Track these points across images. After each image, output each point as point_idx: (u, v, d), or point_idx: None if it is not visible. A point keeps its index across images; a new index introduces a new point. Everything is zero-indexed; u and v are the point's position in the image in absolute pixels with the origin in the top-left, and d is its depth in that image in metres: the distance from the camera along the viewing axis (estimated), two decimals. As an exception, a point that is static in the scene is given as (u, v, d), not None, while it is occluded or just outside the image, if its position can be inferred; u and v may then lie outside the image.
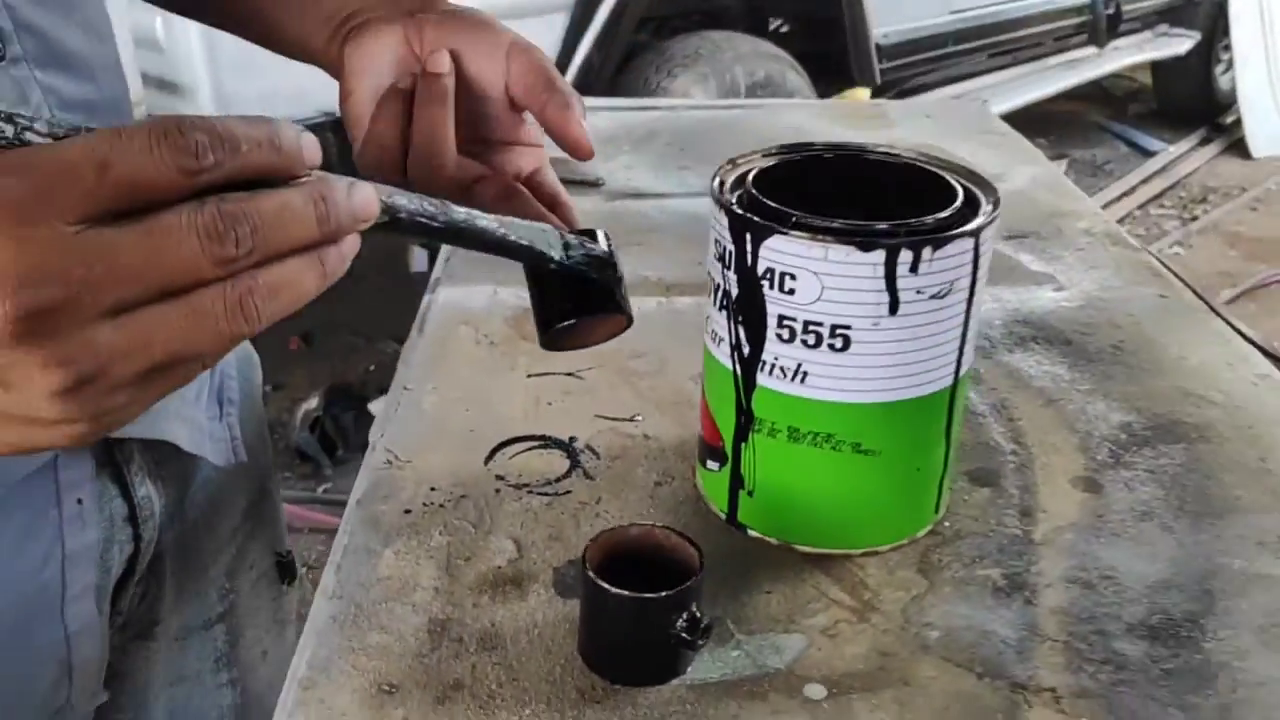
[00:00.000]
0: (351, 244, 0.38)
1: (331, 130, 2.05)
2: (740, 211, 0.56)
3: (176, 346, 0.35)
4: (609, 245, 0.54)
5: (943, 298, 0.54)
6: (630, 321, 0.55)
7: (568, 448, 0.70)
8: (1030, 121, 4.62)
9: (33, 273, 0.32)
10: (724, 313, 0.58)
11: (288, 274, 0.36)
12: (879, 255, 0.53)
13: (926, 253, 0.53)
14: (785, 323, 0.56)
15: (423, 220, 0.43)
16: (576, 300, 0.53)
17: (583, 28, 2.46)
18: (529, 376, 0.78)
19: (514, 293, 0.90)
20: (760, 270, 0.55)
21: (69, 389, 0.34)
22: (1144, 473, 0.68)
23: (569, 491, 0.66)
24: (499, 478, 0.67)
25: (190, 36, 2.04)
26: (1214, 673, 0.53)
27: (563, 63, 2.48)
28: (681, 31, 2.91)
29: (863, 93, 3.52)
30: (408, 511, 0.64)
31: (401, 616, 0.56)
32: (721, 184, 0.60)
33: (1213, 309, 0.89)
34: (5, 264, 0.32)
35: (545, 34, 2.45)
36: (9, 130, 0.34)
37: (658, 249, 0.99)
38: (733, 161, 0.63)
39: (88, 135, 0.34)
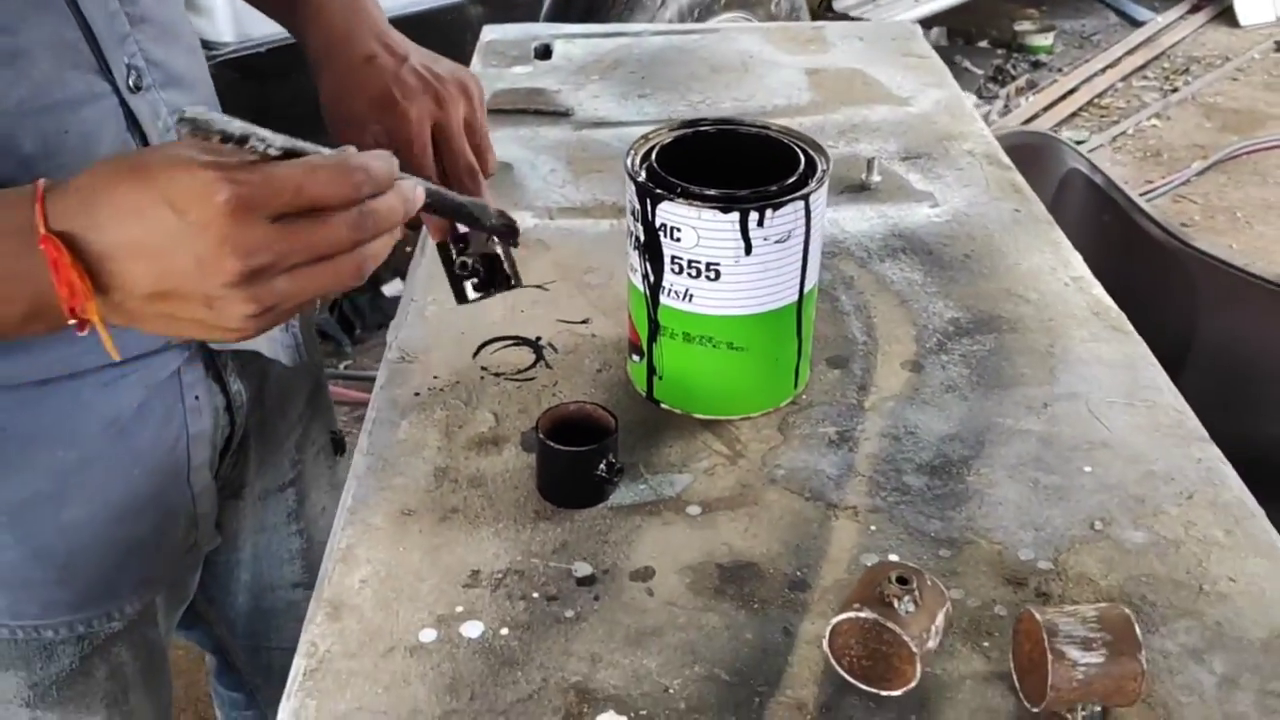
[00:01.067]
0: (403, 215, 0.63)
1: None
2: (643, 181, 0.78)
3: (322, 286, 0.60)
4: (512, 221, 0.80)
5: (784, 241, 0.78)
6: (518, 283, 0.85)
7: (534, 345, 0.94)
8: (1020, -8, 4.71)
9: (250, 245, 0.56)
10: (636, 251, 0.82)
11: (381, 245, 0.61)
12: (735, 215, 0.76)
13: (769, 212, 0.76)
14: (676, 261, 0.79)
15: (436, 197, 0.71)
16: (487, 273, 0.84)
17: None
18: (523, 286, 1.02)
19: (497, 217, 1.13)
20: (657, 224, 0.78)
21: (252, 314, 0.58)
22: (958, 357, 0.92)
23: (534, 378, 0.90)
24: (483, 369, 0.91)
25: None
26: (969, 496, 0.78)
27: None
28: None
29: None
30: (417, 394, 0.88)
31: (415, 466, 0.81)
32: (634, 157, 0.82)
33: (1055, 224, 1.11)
34: (236, 240, 0.56)
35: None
36: (260, 147, 0.57)
37: (614, 175, 1.21)
38: (645, 137, 0.84)
39: (294, 161, 0.58)
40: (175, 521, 0.88)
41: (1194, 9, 5.31)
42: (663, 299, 0.81)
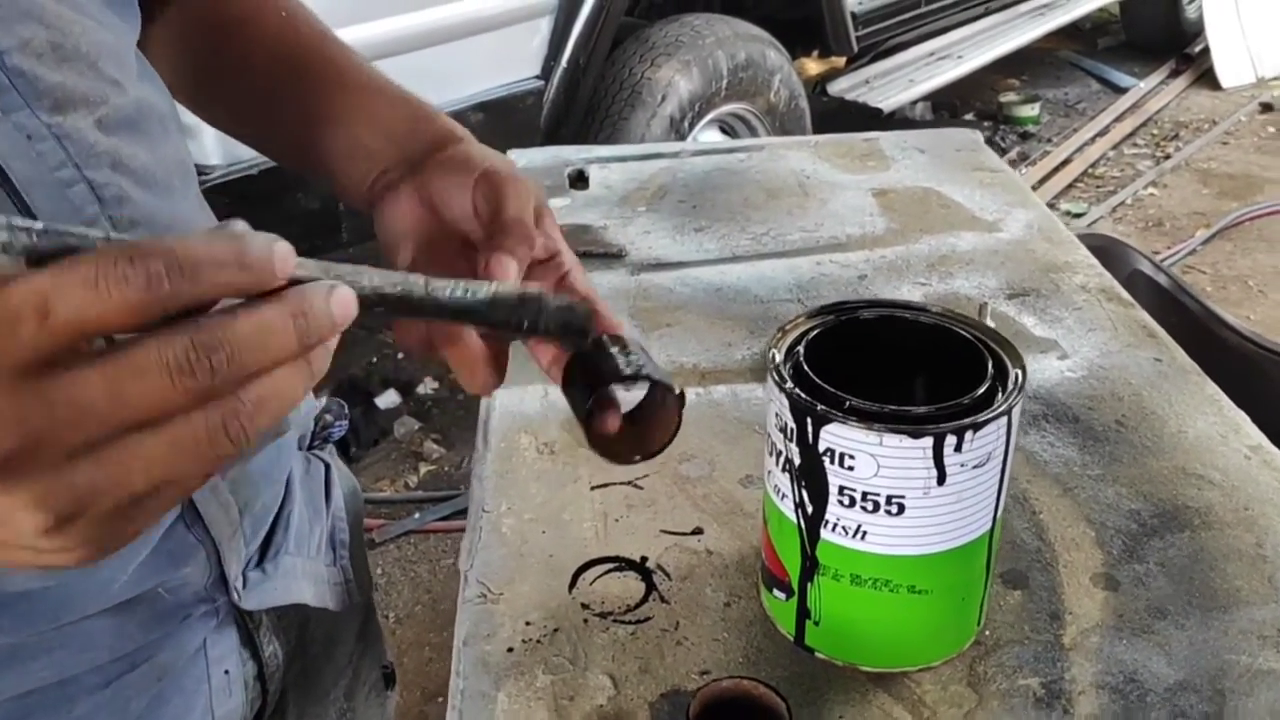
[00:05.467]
0: (334, 340, 0.37)
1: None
2: (803, 397, 0.63)
3: (159, 475, 0.34)
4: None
5: (982, 466, 0.62)
6: (678, 399, 0.57)
7: (641, 569, 0.78)
8: (1002, 62, 4.67)
9: (5, 414, 0.32)
10: (787, 474, 0.66)
11: (272, 387, 0.35)
12: (928, 441, 0.60)
13: (968, 435, 0.61)
14: (846, 491, 0.63)
15: (402, 297, 0.42)
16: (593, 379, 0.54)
17: (568, 29, 2.49)
18: (593, 489, 0.86)
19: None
20: (821, 449, 0.63)
21: (53, 527, 0.34)
22: (1155, 566, 0.77)
23: (649, 618, 0.74)
24: (584, 606, 0.75)
25: None
26: (1228, 775, 0.62)
27: (550, 65, 2.51)
28: (659, 16, 2.93)
29: (837, 61, 3.57)
30: (510, 650, 0.72)
31: (524, 761, 0.64)
32: (777, 357, 0.67)
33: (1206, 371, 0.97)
34: None
35: (532, 38, 2.48)
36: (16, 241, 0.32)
37: (685, 329, 1.06)
38: (783, 330, 0.70)
39: (34, 274, 0.32)
40: None
41: (1174, 73, 5.31)
42: (824, 534, 0.66)
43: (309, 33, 0.72)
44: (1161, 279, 1.79)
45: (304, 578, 0.75)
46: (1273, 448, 0.88)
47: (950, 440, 0.61)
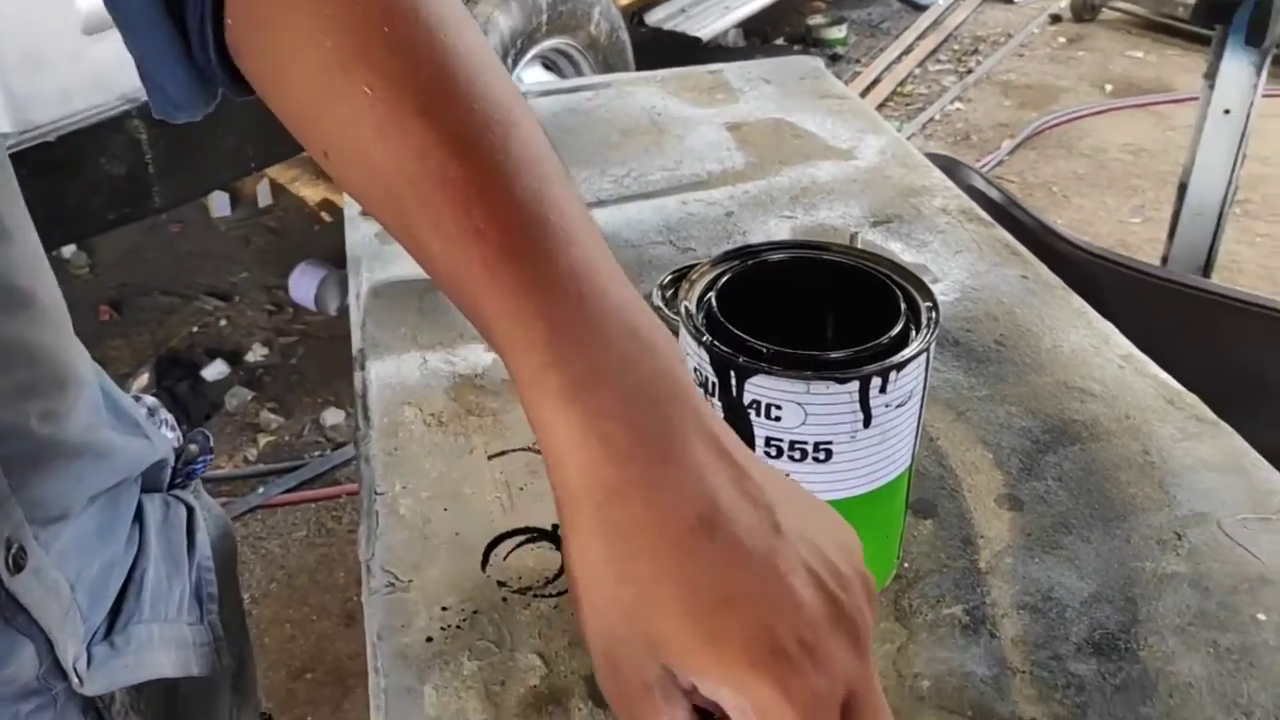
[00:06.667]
0: None
1: (138, 117, 1.94)
2: (724, 350, 0.61)
3: None
4: None
5: (905, 404, 0.62)
6: None
7: (555, 537, 0.75)
8: (808, -13, 4.74)
9: None
10: (709, 430, 0.64)
11: None
12: (854, 385, 0.59)
13: (892, 375, 0.60)
14: (773, 442, 0.62)
15: None
16: None
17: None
18: (490, 458, 0.82)
19: (442, 358, 0.93)
20: (746, 401, 0.61)
21: None
22: (1053, 481, 0.79)
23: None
24: (501, 584, 0.72)
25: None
26: (1153, 680, 0.65)
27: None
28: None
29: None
30: (429, 640, 0.68)
31: (462, 755, 0.61)
32: (689, 313, 0.64)
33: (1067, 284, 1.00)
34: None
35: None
36: None
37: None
38: (687, 279, 0.67)
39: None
40: None
41: (969, -12, 5.49)
42: (750, 488, 0.64)
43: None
44: (994, 194, 1.85)
45: (162, 646, 0.66)
46: (1141, 355, 0.91)
47: (875, 382, 0.60)
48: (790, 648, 0.40)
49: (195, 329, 3.09)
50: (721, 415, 0.62)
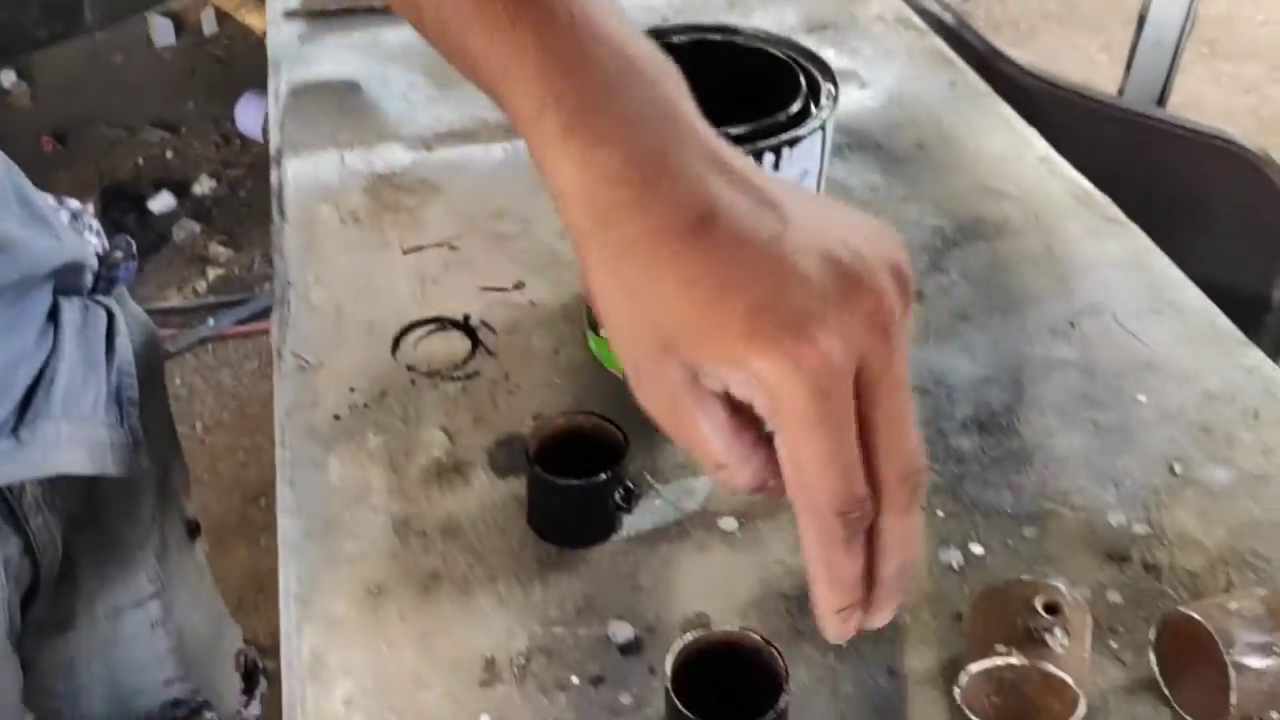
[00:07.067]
0: None
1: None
2: (617, 125, 0.61)
3: None
4: None
5: (800, 182, 0.62)
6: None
7: (465, 327, 0.76)
8: None
9: None
10: (607, 210, 0.65)
11: None
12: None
13: (785, 151, 0.60)
14: (667, 220, 0.62)
15: None
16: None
17: None
18: (405, 253, 0.83)
19: (360, 156, 0.92)
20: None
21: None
22: (956, 275, 0.80)
23: (478, 372, 0.73)
24: (410, 368, 0.73)
25: None
26: (1030, 453, 0.67)
27: None
28: None
29: None
30: (337, 417, 0.70)
31: (365, 520, 0.64)
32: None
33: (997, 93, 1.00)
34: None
35: None
36: None
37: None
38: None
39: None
40: None
41: None
42: (648, 267, 0.65)
43: None
44: (948, 17, 1.82)
45: (72, 444, 0.66)
46: (1059, 158, 0.92)
47: (769, 158, 0.60)
48: (795, 319, 0.38)
49: (141, 161, 3.02)
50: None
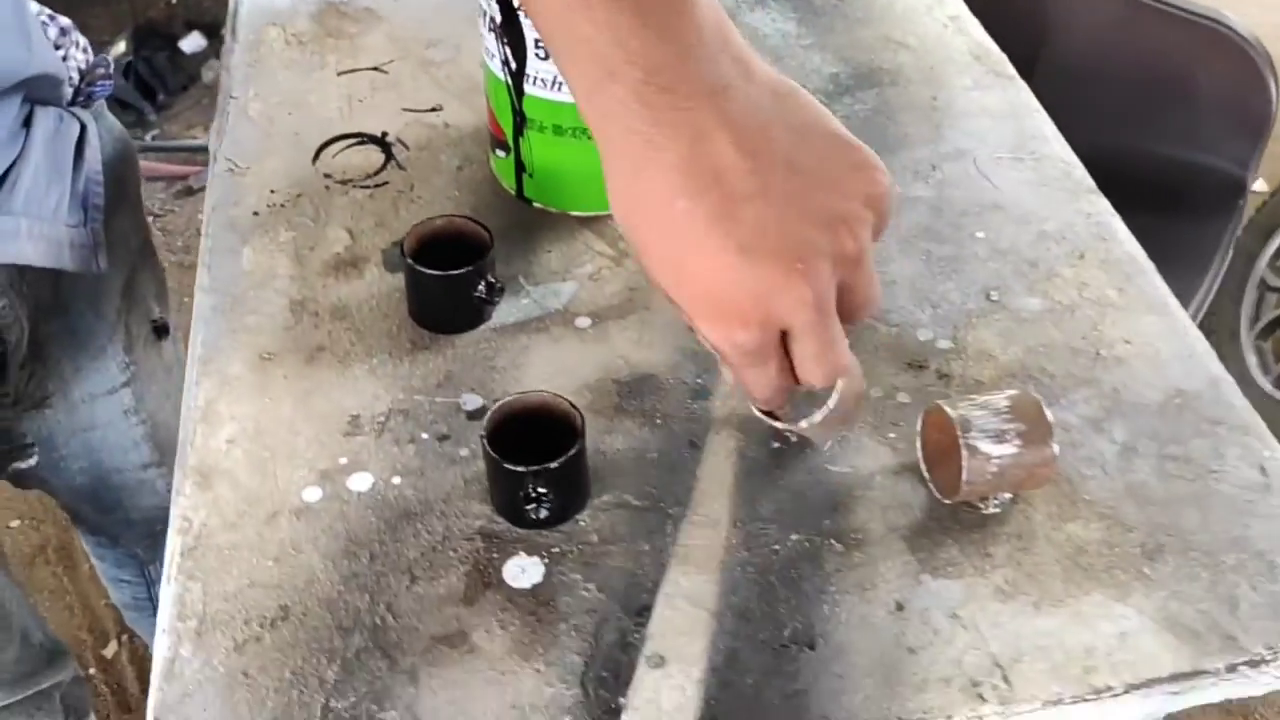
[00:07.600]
0: None
1: None
2: (491, -46, 0.67)
3: None
4: None
5: (658, 15, 0.69)
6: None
7: (381, 143, 0.84)
8: None
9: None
10: (492, 34, 0.72)
11: None
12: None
13: (640, -17, 0.66)
14: (540, 44, 0.69)
15: None
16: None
17: None
18: (339, 74, 0.90)
19: (314, -14, 0.99)
20: (515, 1, 0.68)
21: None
22: (841, 119, 0.86)
23: (386, 183, 0.81)
24: (327, 176, 0.82)
25: None
26: (863, 277, 0.75)
27: None
28: None
29: None
30: (256, 214, 0.79)
31: (268, 300, 0.73)
32: (475, -80, 0.70)
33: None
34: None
35: None
36: None
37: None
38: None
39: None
40: None
41: None
42: (528, 88, 0.72)
43: None
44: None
45: (30, 238, 0.75)
46: (970, 16, 0.96)
47: None
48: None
49: (173, 1, 3.08)
50: (498, 16, 0.70)
